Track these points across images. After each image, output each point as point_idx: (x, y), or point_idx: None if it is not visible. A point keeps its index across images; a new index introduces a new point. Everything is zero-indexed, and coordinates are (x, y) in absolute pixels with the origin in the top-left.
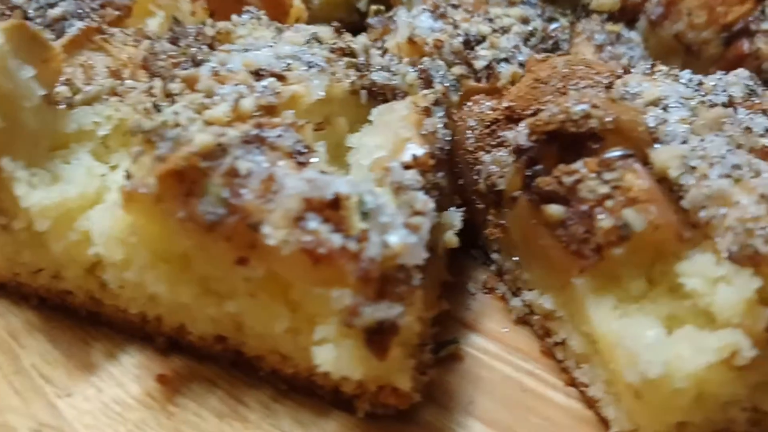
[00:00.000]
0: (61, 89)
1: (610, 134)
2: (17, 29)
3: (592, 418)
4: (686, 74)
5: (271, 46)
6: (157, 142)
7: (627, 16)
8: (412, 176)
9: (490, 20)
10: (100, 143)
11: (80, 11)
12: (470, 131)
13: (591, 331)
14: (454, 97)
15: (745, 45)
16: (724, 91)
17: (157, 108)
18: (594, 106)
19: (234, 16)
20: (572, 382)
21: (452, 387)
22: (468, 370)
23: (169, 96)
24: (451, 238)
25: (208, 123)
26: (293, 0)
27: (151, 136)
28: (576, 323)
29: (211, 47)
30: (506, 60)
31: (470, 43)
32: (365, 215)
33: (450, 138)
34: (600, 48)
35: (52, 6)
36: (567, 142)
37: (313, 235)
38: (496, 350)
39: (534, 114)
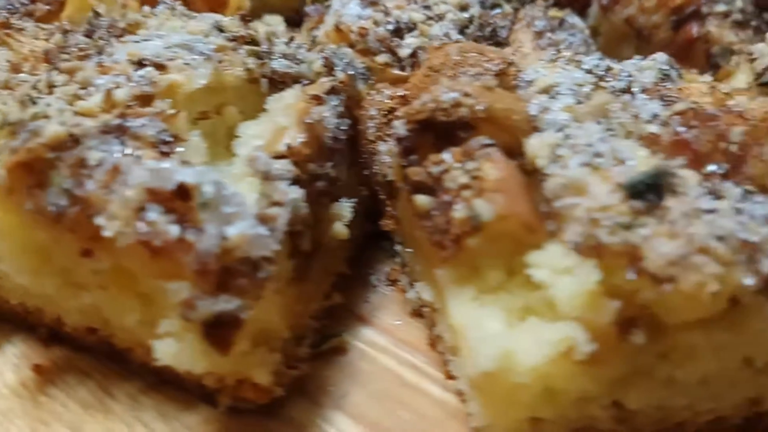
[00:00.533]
0: None
1: (483, 123)
2: None
3: (463, 412)
4: (592, 60)
5: (165, 36)
6: (17, 135)
7: (580, 1)
8: (282, 166)
9: (427, 7)
10: None
11: (10, 6)
12: (371, 120)
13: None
14: (362, 86)
15: (694, 29)
16: (630, 76)
17: (33, 101)
18: (465, 95)
19: (146, 8)
20: (449, 376)
21: (328, 381)
22: (350, 364)
23: (52, 87)
24: (340, 230)
25: (79, 114)
26: None
27: (15, 128)
28: (445, 314)
29: (120, 39)
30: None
31: (400, 31)
32: (204, 206)
33: (348, 127)
34: (539, 34)
35: None
36: (441, 131)
37: (151, 226)
38: (384, 343)
39: None
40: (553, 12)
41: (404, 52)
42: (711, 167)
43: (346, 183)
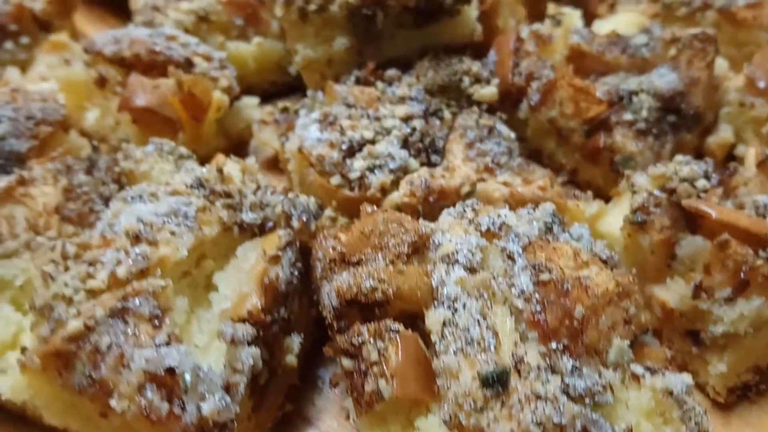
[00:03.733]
0: None
1: (394, 300)
2: None
3: None
4: (486, 219)
5: (157, 200)
6: (44, 319)
7: (511, 99)
8: (244, 329)
9: (378, 119)
10: (18, 290)
11: (17, 131)
12: (318, 262)
13: None
14: (312, 227)
15: (602, 138)
16: (516, 237)
17: (52, 276)
18: (380, 281)
19: (139, 151)
20: None
21: None
22: None
23: (66, 258)
24: (291, 361)
25: (89, 292)
26: (213, 93)
27: (43, 312)
28: None
29: (119, 182)
30: (380, 167)
31: (352, 150)
32: (185, 390)
33: (301, 268)
34: (470, 145)
35: None
36: (363, 306)
37: (148, 403)
38: None
39: (357, 263)
40: (485, 119)
41: (354, 175)
42: (554, 344)
43: (297, 312)
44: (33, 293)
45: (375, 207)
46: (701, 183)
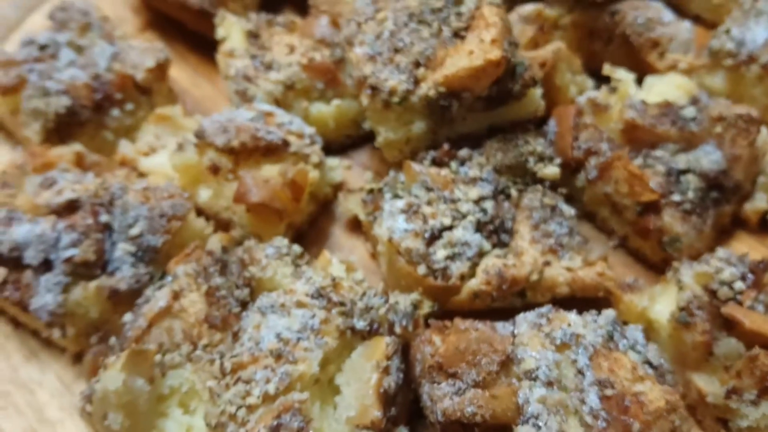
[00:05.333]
0: (157, 359)
1: (490, 420)
2: (134, 356)
3: None
4: (560, 333)
5: (288, 314)
6: None
7: (571, 169)
8: None
9: (453, 202)
10: (184, 395)
11: (153, 228)
12: (417, 362)
13: None
14: (410, 328)
15: (652, 221)
16: (584, 349)
17: (218, 394)
18: (479, 407)
19: (261, 253)
20: None
21: None
22: None
23: (224, 374)
24: None
25: (248, 408)
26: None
27: (216, 429)
28: None
29: (249, 286)
30: (459, 255)
31: (434, 237)
32: None
33: (404, 369)
34: (536, 227)
35: (131, 226)
36: (465, 425)
37: None
38: None
39: (453, 375)
40: (548, 198)
41: (437, 265)
42: None
43: (400, 403)
44: (206, 411)
45: (467, 323)
46: (738, 285)
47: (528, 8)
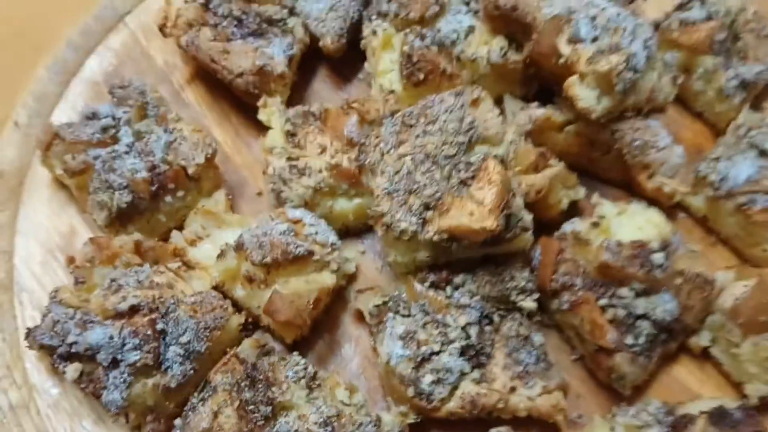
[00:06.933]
0: None
1: None
2: None
3: None
4: None
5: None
6: None
7: (547, 295)
8: None
9: (445, 326)
10: None
11: (198, 337)
12: None
13: None
14: None
15: (604, 360)
16: None
17: None
18: None
19: (282, 372)
20: None
21: None
22: None
23: None
24: None
25: None
26: (326, 282)
27: None
28: None
29: (271, 404)
30: (442, 381)
31: (423, 361)
32: None
33: None
34: (509, 355)
35: (182, 335)
36: None
37: None
38: None
39: None
40: (523, 329)
41: (424, 390)
42: None
43: None
44: None
45: None
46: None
47: (539, 112)
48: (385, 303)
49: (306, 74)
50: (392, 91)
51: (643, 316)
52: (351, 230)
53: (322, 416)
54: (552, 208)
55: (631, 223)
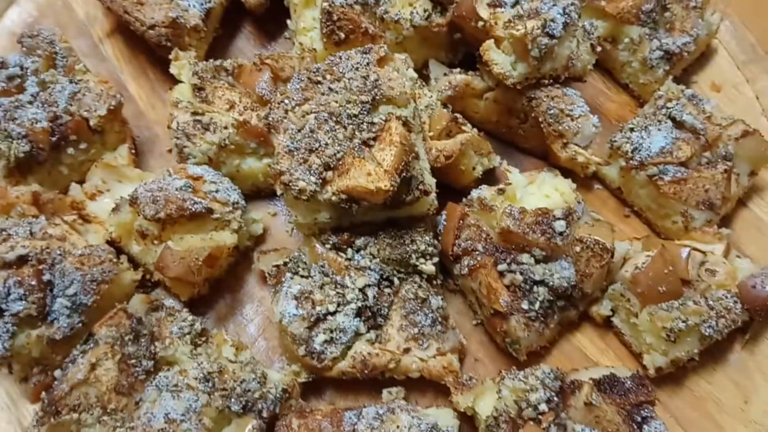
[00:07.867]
0: (74, 417)
1: None
2: (53, 428)
3: None
4: None
5: (178, 396)
6: None
7: (448, 259)
8: None
9: (343, 287)
10: None
11: (85, 290)
12: None
13: None
14: (277, 410)
15: (499, 324)
16: None
17: None
18: None
19: (167, 328)
20: None
21: None
22: None
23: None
24: None
25: None
26: (217, 260)
27: None
28: None
29: (153, 359)
30: (335, 341)
31: (318, 321)
32: None
33: None
34: (405, 317)
35: (68, 287)
36: None
37: None
38: None
39: None
40: (422, 292)
41: (316, 348)
42: None
43: None
44: None
45: (317, 417)
46: (542, 407)
47: (459, 78)
48: (285, 264)
49: (230, 30)
50: (313, 50)
51: (541, 282)
52: (263, 191)
53: (202, 371)
54: (465, 174)
55: (540, 192)
